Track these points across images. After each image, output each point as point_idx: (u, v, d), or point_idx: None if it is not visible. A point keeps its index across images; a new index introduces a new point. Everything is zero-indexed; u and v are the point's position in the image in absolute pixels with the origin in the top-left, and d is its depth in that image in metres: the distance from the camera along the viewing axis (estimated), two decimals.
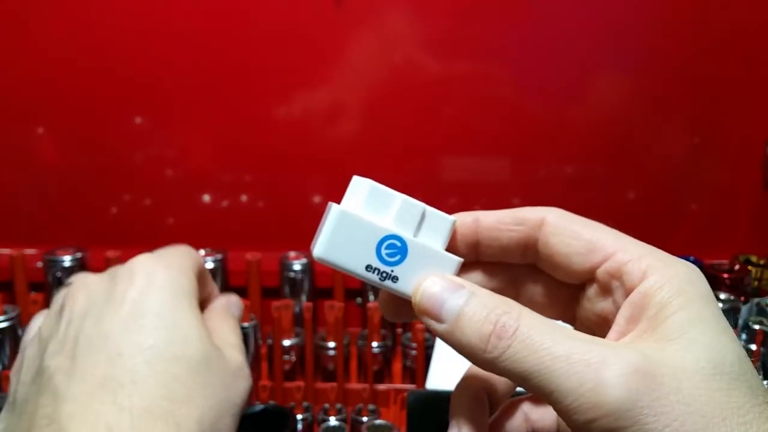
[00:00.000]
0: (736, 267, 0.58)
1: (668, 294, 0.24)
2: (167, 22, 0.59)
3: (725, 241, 0.64)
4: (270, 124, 0.62)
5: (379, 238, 0.26)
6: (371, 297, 0.61)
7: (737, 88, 0.61)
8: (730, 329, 0.24)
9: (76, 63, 0.60)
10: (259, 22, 0.59)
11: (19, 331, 0.52)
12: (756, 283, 0.60)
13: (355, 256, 0.26)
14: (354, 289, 0.62)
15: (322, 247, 0.26)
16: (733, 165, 0.63)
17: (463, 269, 0.28)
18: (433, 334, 0.26)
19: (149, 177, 0.63)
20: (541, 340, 0.23)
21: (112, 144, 0.62)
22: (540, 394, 0.23)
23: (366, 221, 0.26)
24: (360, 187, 0.27)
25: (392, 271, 0.26)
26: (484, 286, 0.27)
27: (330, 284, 0.61)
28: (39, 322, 0.37)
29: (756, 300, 0.53)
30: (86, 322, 0.33)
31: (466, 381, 0.30)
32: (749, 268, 0.59)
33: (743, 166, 0.63)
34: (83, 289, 0.35)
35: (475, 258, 0.29)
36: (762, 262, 0.61)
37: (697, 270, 0.25)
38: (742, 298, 0.54)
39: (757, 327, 0.50)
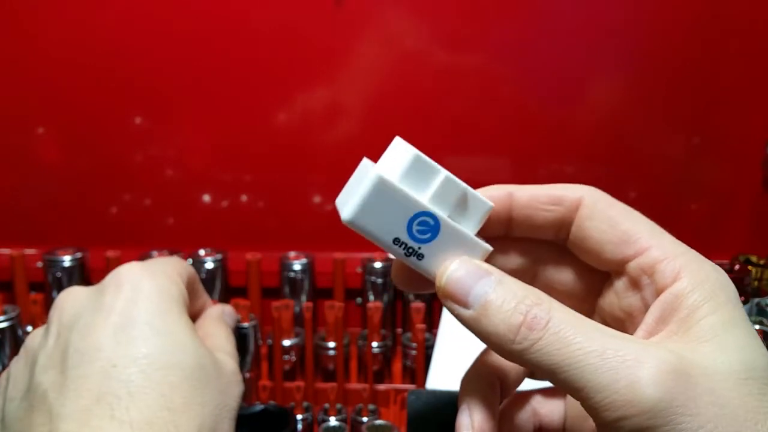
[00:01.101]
0: (736, 267, 0.58)
1: (700, 297, 0.24)
2: (167, 22, 0.59)
3: (725, 241, 0.64)
4: (270, 124, 0.62)
5: (413, 213, 0.25)
6: (371, 297, 0.61)
7: (737, 88, 0.61)
8: (758, 336, 0.24)
9: (76, 63, 0.60)
10: (259, 22, 0.59)
11: (19, 331, 0.52)
12: (756, 283, 0.60)
13: (385, 226, 0.25)
14: (354, 289, 0.62)
15: (353, 211, 0.24)
16: (733, 165, 0.63)
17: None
18: (457, 319, 0.25)
19: (149, 177, 0.63)
20: (574, 333, 0.22)
21: (112, 144, 0.62)
22: (568, 389, 0.23)
23: (404, 193, 0.25)
24: (402, 153, 0.26)
25: (419, 248, 0.25)
26: (504, 265, 0.26)
27: (330, 284, 0.61)
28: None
29: (756, 300, 0.53)
30: (74, 335, 0.32)
31: (478, 366, 0.30)
32: (749, 268, 0.59)
33: (743, 166, 0.63)
34: (69, 301, 0.34)
35: (504, 233, 0.28)
36: (762, 262, 0.61)
37: (725, 274, 0.25)
38: (742, 298, 0.54)
39: (757, 327, 0.50)
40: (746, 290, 0.57)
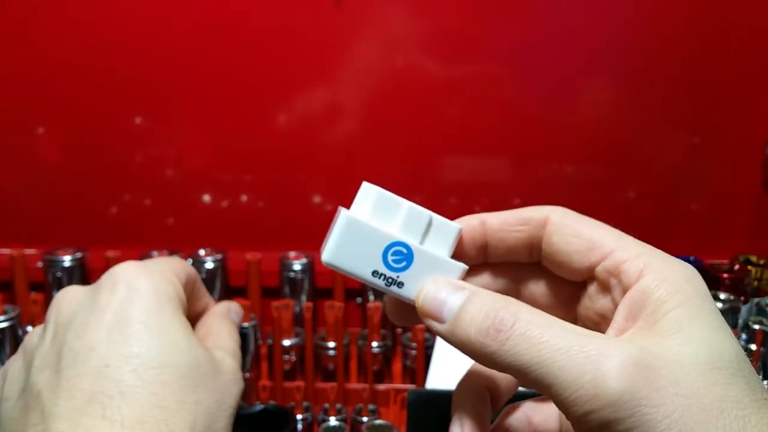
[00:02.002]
0: (736, 267, 0.58)
1: (666, 291, 0.24)
2: (167, 22, 0.59)
3: (725, 241, 0.64)
4: (270, 125, 0.62)
5: (385, 245, 0.27)
6: (371, 297, 0.61)
7: (737, 88, 0.61)
8: (728, 327, 0.24)
9: (76, 63, 0.60)
10: (259, 22, 0.59)
11: (19, 331, 0.52)
12: (756, 283, 0.60)
13: (362, 261, 0.27)
14: (354, 289, 0.62)
15: (330, 252, 0.26)
16: (733, 165, 0.63)
17: (468, 271, 0.28)
18: (436, 335, 0.26)
19: (149, 177, 0.63)
20: (540, 332, 0.23)
21: (112, 144, 0.62)
22: (539, 387, 0.23)
23: (373, 228, 0.27)
24: (368, 194, 0.28)
25: (398, 276, 0.27)
26: (488, 287, 0.27)
27: (330, 284, 0.61)
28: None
29: (756, 300, 0.53)
30: (69, 334, 0.32)
31: (469, 378, 0.30)
32: (749, 268, 0.59)
33: (743, 166, 0.63)
34: (66, 300, 0.34)
35: (483, 260, 0.29)
36: (762, 262, 0.61)
37: (694, 269, 0.25)
38: (742, 298, 0.54)
39: (757, 327, 0.50)
40: (746, 290, 0.57)
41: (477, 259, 0.29)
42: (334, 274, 0.60)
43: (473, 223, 0.29)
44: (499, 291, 0.28)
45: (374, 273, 0.27)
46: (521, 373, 0.23)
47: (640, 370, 0.22)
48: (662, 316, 0.24)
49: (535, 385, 0.23)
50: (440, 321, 0.26)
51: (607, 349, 0.22)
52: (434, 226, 0.28)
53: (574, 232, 0.27)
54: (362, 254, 0.26)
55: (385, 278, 0.27)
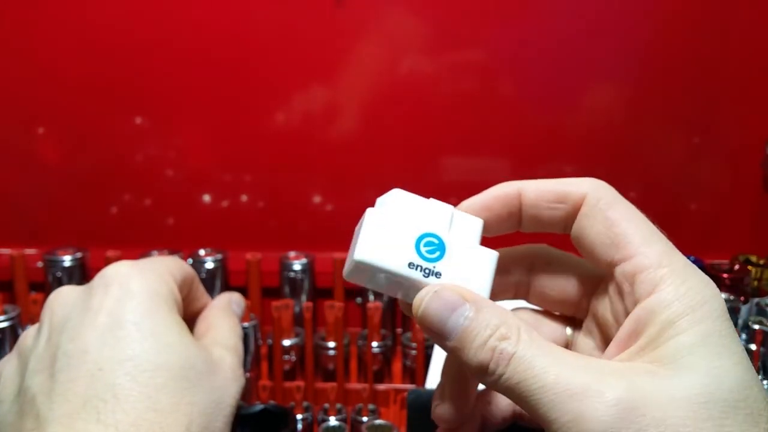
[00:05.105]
0: (736, 267, 0.58)
1: (675, 312, 0.23)
2: (167, 22, 0.59)
3: (725, 241, 0.64)
4: (270, 124, 0.62)
5: (417, 236, 0.26)
6: (371, 297, 0.61)
7: (737, 88, 0.61)
8: (738, 352, 0.23)
9: (76, 63, 0.60)
10: (259, 22, 0.59)
11: (19, 331, 0.52)
12: (756, 283, 0.60)
13: (396, 254, 0.26)
14: (354, 289, 0.62)
15: (362, 250, 0.26)
16: (733, 165, 0.63)
17: None
18: (440, 347, 0.26)
19: (149, 177, 0.63)
20: (532, 368, 0.23)
21: (112, 144, 0.62)
22: (533, 418, 0.23)
23: (403, 219, 0.26)
24: (389, 196, 0.28)
25: (434, 267, 0.26)
26: (501, 279, 0.27)
27: (330, 284, 0.61)
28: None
29: (756, 300, 0.53)
30: (63, 337, 0.32)
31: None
32: (749, 268, 0.59)
33: (743, 166, 0.63)
34: (59, 301, 0.34)
35: (516, 229, 0.29)
36: (762, 262, 0.61)
37: (713, 285, 0.24)
38: (742, 298, 0.54)
39: (756, 327, 0.49)
40: (746, 290, 0.57)
41: (510, 229, 0.29)
42: (335, 273, 0.60)
43: (509, 193, 0.28)
44: (511, 283, 0.29)
45: (410, 265, 0.26)
46: (519, 403, 0.24)
47: (620, 411, 0.22)
48: (666, 340, 0.23)
49: (532, 416, 0.24)
50: (443, 338, 0.25)
51: (590, 386, 0.22)
52: (457, 220, 0.28)
53: (605, 221, 0.26)
54: (395, 247, 0.26)
55: (422, 269, 0.26)
